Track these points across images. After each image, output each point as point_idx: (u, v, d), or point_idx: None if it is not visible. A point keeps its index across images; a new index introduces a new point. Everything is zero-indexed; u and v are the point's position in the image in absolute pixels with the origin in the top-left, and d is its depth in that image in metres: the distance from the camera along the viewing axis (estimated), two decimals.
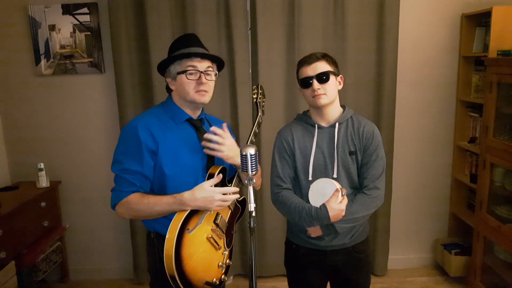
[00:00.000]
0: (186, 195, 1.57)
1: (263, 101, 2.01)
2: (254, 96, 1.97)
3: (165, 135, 1.65)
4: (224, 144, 1.67)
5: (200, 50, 1.69)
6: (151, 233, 1.76)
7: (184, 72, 1.65)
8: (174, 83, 1.70)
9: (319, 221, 1.74)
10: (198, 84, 1.66)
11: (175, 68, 1.68)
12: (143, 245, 3.18)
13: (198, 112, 1.78)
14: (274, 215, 3.12)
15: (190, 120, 1.74)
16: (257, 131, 1.88)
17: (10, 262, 2.60)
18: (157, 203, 1.59)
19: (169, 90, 1.76)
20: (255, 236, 1.70)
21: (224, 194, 1.60)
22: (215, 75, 1.74)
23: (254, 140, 1.84)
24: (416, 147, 3.28)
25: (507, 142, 2.55)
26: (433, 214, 3.38)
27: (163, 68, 1.73)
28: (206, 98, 1.69)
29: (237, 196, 1.66)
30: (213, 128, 1.68)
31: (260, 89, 1.99)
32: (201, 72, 1.66)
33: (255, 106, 1.97)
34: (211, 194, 1.57)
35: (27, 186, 3.10)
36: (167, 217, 1.60)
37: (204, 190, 1.57)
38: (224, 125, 1.75)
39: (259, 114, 1.94)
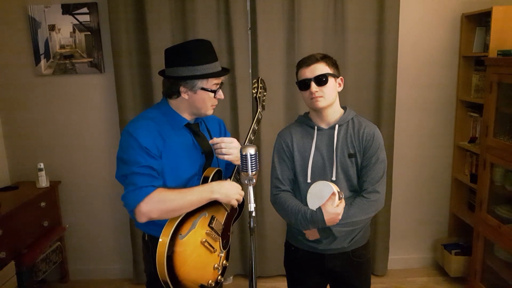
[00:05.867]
0: (215, 184, 1.65)
1: (264, 96, 1.95)
2: (254, 91, 1.90)
3: (166, 144, 1.63)
4: (231, 148, 1.70)
5: (220, 66, 1.71)
6: (145, 235, 1.75)
7: (211, 90, 1.66)
8: (191, 94, 1.66)
9: (314, 224, 1.72)
10: (217, 100, 1.71)
11: (201, 83, 1.65)
12: None
13: (195, 116, 1.76)
14: (274, 215, 3.08)
15: (187, 125, 1.73)
16: (256, 128, 1.85)
17: (10, 262, 2.60)
18: (189, 192, 1.60)
19: (168, 94, 1.69)
20: (255, 236, 1.70)
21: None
22: None
23: (253, 139, 1.82)
24: (416, 147, 3.28)
25: (507, 142, 2.54)
26: (433, 214, 3.38)
27: (168, 73, 1.68)
28: (213, 110, 1.74)
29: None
30: (212, 141, 1.72)
31: (261, 83, 1.92)
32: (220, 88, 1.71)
33: (255, 101, 1.90)
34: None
35: (27, 186, 3.10)
36: (156, 223, 1.59)
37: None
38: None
39: (259, 110, 1.89)
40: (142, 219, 1.54)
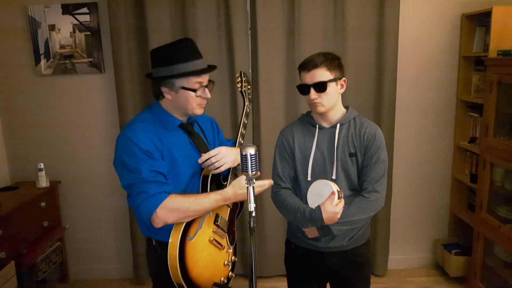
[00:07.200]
0: (230, 191, 1.63)
1: (249, 89, 1.95)
2: (238, 85, 1.90)
3: (164, 146, 1.62)
4: (221, 158, 1.66)
5: (204, 64, 1.65)
6: (152, 240, 1.72)
7: (192, 89, 1.62)
8: (173, 94, 1.64)
9: (313, 222, 1.73)
10: (203, 99, 1.67)
11: (180, 82, 1.61)
12: (143, 245, 3.19)
13: (186, 116, 1.74)
14: (274, 215, 3.12)
15: (181, 125, 1.71)
16: (246, 122, 1.86)
17: (10, 262, 2.60)
18: (205, 200, 1.59)
19: (157, 95, 1.69)
20: (255, 236, 1.70)
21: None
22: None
23: (244, 132, 1.82)
24: (416, 147, 3.28)
25: (507, 142, 2.54)
26: (433, 214, 3.38)
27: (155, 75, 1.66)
28: (203, 109, 1.71)
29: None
30: (200, 160, 1.67)
31: (244, 76, 1.92)
32: (205, 86, 1.66)
33: (241, 95, 1.91)
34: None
35: (27, 186, 3.10)
36: (163, 227, 1.58)
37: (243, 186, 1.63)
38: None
39: (246, 103, 1.90)
40: (159, 224, 1.55)
